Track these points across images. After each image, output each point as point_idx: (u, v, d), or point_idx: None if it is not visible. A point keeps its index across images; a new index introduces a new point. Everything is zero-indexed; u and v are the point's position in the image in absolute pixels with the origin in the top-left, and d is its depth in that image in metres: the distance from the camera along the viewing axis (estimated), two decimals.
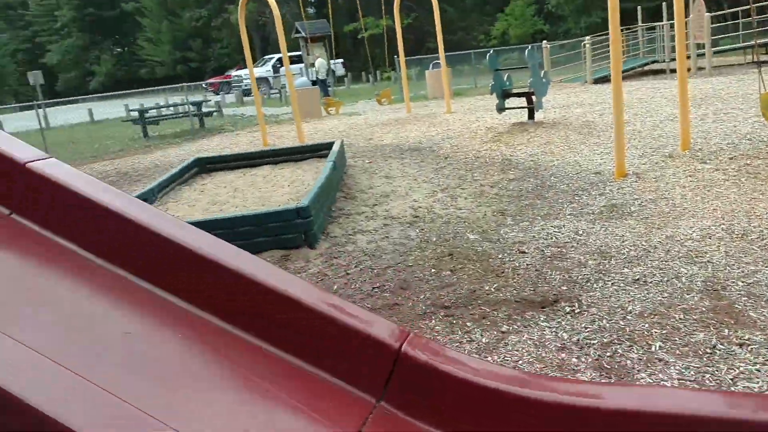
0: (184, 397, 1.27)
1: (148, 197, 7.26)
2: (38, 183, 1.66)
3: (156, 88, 24.85)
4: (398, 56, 16.79)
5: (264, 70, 33.03)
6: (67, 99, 29.32)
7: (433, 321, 3.83)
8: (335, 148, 8.10)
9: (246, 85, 29.92)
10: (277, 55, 32.54)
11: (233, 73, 36.53)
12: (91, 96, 27.13)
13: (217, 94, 30.79)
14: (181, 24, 50.54)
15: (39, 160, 1.70)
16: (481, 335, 3.59)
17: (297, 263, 5.11)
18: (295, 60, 29.54)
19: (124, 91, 24.82)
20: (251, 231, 5.27)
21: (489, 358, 3.33)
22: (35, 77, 27.19)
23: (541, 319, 3.70)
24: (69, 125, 24.16)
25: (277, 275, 1.63)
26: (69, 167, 1.74)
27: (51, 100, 24.82)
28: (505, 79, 10.70)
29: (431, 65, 20.74)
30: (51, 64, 57.07)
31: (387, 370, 1.50)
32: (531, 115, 10.90)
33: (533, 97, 10.50)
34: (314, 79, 23.68)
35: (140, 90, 22.67)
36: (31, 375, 0.98)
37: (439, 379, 1.47)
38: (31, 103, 17.38)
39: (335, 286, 4.56)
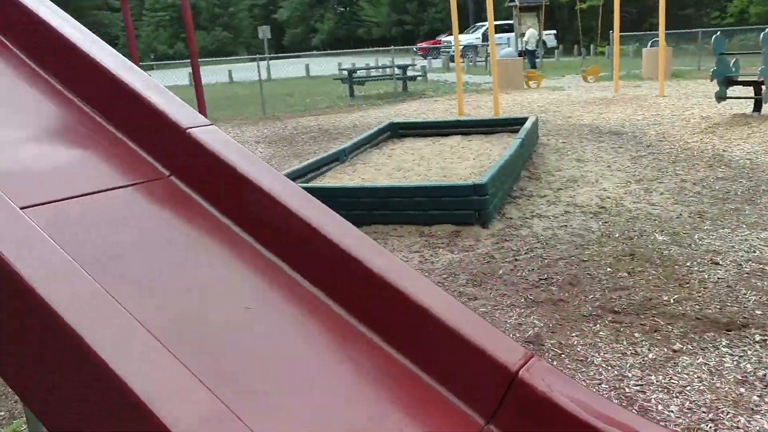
0: (284, 395, 1.26)
1: (339, 157, 7.57)
2: (194, 148, 1.73)
3: (368, 49, 25.72)
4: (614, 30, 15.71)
5: (474, 37, 32.71)
6: (286, 54, 31.44)
7: (598, 325, 3.57)
8: (527, 125, 7.82)
9: (453, 51, 29.92)
10: (488, 23, 32.11)
11: (443, 38, 36.63)
12: (309, 53, 28.89)
13: (425, 59, 31.10)
14: None
15: (199, 126, 1.78)
16: (649, 350, 3.28)
17: (466, 241, 5.02)
18: (506, 29, 28.89)
19: (339, 51, 26.07)
20: (426, 202, 5.27)
21: (652, 377, 3.04)
22: (264, 31, 29.39)
23: (723, 343, 3.29)
24: (288, 78, 25.88)
25: (402, 270, 1.57)
26: (225, 135, 1.80)
27: (273, 55, 26.70)
28: (731, 64, 9.55)
29: (650, 43, 19.17)
30: (281, 19, 61.55)
31: (500, 392, 1.38)
32: (757, 107, 9.66)
33: (763, 87, 9.28)
34: (522, 49, 23.00)
35: (353, 51, 23.59)
36: (126, 351, 1.02)
37: (555, 414, 1.33)
38: (254, 57, 18.80)
39: (500, 271, 4.42)
